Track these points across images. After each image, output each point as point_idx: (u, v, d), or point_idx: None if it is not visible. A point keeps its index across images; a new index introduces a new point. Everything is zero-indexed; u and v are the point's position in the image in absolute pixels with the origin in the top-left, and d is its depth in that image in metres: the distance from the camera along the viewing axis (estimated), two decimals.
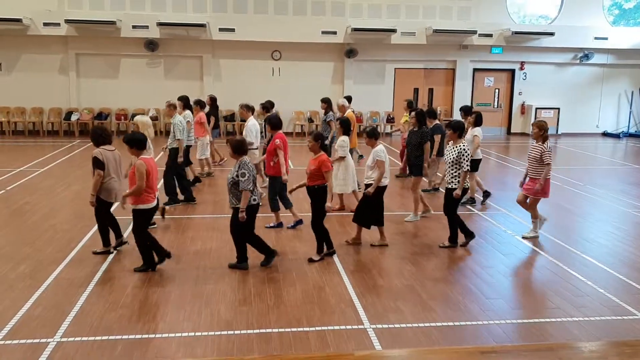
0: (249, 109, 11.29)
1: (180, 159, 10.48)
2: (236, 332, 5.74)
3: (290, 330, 5.78)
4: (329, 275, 7.33)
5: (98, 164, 7.46)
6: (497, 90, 22.72)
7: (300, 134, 21.04)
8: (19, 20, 18.59)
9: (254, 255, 7.56)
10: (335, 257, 7.96)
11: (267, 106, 12.54)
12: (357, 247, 8.44)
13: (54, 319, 5.92)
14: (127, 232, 8.36)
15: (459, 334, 5.85)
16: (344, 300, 6.57)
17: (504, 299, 6.70)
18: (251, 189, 7.07)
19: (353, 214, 8.68)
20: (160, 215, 9.15)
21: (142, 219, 7.19)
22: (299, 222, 9.40)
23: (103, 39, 19.67)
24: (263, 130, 11.88)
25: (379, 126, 21.55)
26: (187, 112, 11.69)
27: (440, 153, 11.19)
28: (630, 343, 5.08)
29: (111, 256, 7.82)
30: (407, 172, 10.82)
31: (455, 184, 8.25)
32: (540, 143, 8.70)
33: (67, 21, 18.84)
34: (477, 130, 10.74)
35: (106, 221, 7.84)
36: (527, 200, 8.96)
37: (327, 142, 11.88)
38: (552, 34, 21.10)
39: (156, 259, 7.32)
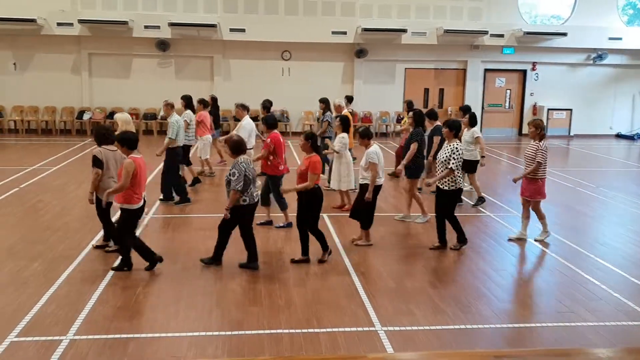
0: (245, 108, 11.30)
1: (159, 153, 10.45)
2: (247, 332, 5.75)
3: (301, 332, 5.78)
4: (339, 276, 7.32)
5: (97, 162, 7.44)
6: (508, 91, 22.61)
7: None
8: (33, 21, 18.72)
9: (262, 254, 7.57)
10: (345, 258, 7.95)
11: (267, 105, 12.60)
12: (367, 248, 8.42)
13: (67, 317, 5.96)
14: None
15: (471, 337, 5.83)
16: (354, 301, 6.56)
17: (517, 302, 6.67)
18: (239, 189, 7.07)
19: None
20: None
21: (128, 220, 7.17)
22: (289, 225, 9.34)
23: (115, 38, 19.77)
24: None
25: (389, 126, 21.54)
26: (188, 111, 11.70)
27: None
28: None
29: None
30: (402, 173, 10.61)
31: (446, 185, 8.17)
32: (537, 142, 8.62)
33: (80, 21, 18.96)
34: (478, 131, 10.68)
35: (110, 219, 7.83)
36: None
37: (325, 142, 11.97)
38: (564, 34, 20.96)
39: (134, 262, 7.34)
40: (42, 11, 18.97)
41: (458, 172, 8.16)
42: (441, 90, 22.21)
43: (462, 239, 8.43)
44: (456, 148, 8.13)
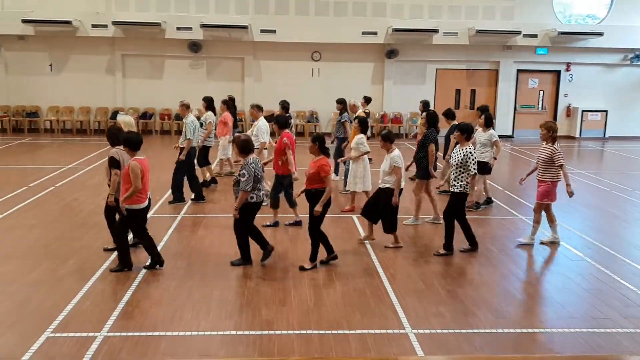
0: (260, 109, 11.36)
1: (182, 157, 10.51)
2: (277, 332, 5.78)
3: (331, 333, 5.78)
4: (369, 277, 7.31)
5: (114, 163, 7.50)
6: (541, 92, 22.27)
7: None
8: (68, 22, 19.11)
9: (291, 256, 7.59)
10: (375, 260, 7.93)
11: (285, 106, 12.72)
12: (397, 250, 8.39)
13: (101, 314, 6.07)
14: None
15: (502, 341, 5.76)
16: (384, 303, 6.54)
17: (549, 306, 6.57)
18: (248, 189, 7.16)
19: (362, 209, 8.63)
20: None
21: (133, 220, 7.23)
22: (298, 222, 9.39)
23: (148, 40, 20.06)
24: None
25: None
26: (209, 113, 11.77)
27: None
28: None
29: None
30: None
31: (458, 187, 8.03)
32: (549, 144, 8.45)
33: (114, 23, 19.29)
34: (495, 134, 10.48)
35: (115, 220, 7.83)
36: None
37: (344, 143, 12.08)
38: (600, 34, 20.57)
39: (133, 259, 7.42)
40: (78, 13, 19.37)
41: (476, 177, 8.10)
42: (473, 91, 22.00)
43: (472, 243, 8.29)
44: (470, 152, 7.99)
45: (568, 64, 21.78)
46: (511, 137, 21.87)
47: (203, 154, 11.77)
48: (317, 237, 7.53)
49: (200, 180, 11.78)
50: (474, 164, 7.94)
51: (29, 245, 8.24)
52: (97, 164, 14.49)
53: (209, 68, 20.88)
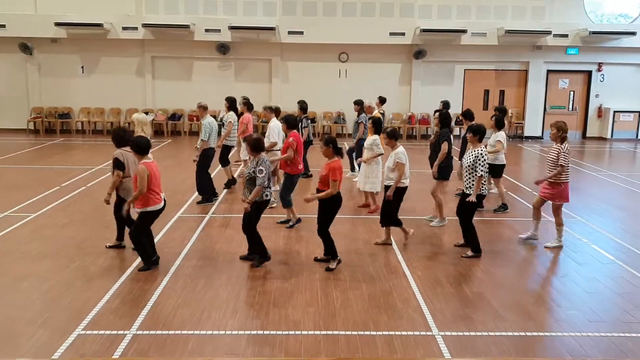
0: (272, 110, 11.40)
1: (195, 159, 10.71)
2: (303, 332, 5.80)
3: (357, 334, 5.78)
4: (395, 279, 7.29)
5: (118, 164, 7.63)
6: (572, 93, 21.92)
7: None
8: (100, 25, 19.45)
9: (307, 251, 7.60)
10: (402, 262, 7.90)
11: (304, 107, 12.75)
12: (426, 252, 8.35)
13: (131, 312, 6.16)
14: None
15: (531, 344, 5.70)
16: (411, 305, 6.51)
17: (579, 310, 6.45)
18: (266, 185, 7.35)
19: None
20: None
21: (147, 221, 7.33)
22: (298, 220, 9.49)
23: (177, 42, 20.29)
24: (299, 129, 12.34)
25: None
26: (231, 113, 11.86)
27: None
28: None
29: (183, 253, 8.05)
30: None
31: (472, 189, 7.98)
32: (558, 144, 8.32)
33: (144, 25, 19.55)
34: (501, 135, 10.29)
35: (123, 221, 7.97)
36: (545, 205, 8.57)
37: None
38: (633, 33, 20.17)
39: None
40: (109, 16, 19.69)
41: (484, 178, 8.00)
42: (502, 92, 21.76)
43: (475, 249, 8.17)
44: (481, 154, 7.92)
45: (599, 64, 21.40)
46: (541, 138, 21.58)
47: (224, 154, 11.85)
48: (328, 236, 7.53)
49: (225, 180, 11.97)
50: (481, 166, 7.88)
51: (60, 244, 8.41)
52: None
53: (237, 69, 21.04)
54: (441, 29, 19.87)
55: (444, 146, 9.49)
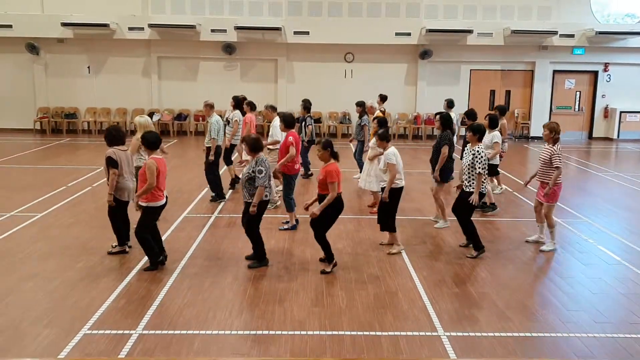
0: (274, 109, 11.41)
1: (211, 157, 10.75)
2: (309, 332, 5.80)
3: (363, 334, 5.78)
4: (401, 280, 7.28)
5: (112, 163, 7.60)
6: (578, 93, 21.85)
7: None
8: (106, 25, 19.52)
9: (311, 251, 7.60)
10: (408, 262, 7.90)
11: (308, 106, 12.76)
12: (431, 253, 8.34)
13: (136, 312, 6.18)
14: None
15: (537, 345, 5.68)
16: (416, 306, 6.51)
17: (585, 311, 6.44)
18: (266, 185, 7.31)
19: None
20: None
21: (150, 217, 7.34)
22: (294, 226, 9.40)
23: (183, 42, 20.34)
24: (302, 128, 12.63)
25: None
26: (237, 112, 11.87)
27: None
28: None
29: (189, 253, 8.07)
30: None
31: (472, 188, 7.98)
32: (550, 145, 8.28)
33: (150, 25, 19.61)
34: (497, 136, 10.22)
35: (119, 221, 7.95)
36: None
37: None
38: (639, 33, 20.09)
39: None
40: (115, 16, 19.75)
41: (484, 176, 7.98)
42: (508, 92, 21.71)
43: (477, 247, 8.17)
44: (478, 152, 7.94)
45: (606, 64, 21.32)
46: None
47: (228, 153, 11.87)
48: (325, 241, 7.43)
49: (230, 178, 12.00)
50: (480, 164, 7.89)
51: (67, 244, 8.44)
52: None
53: (243, 70, 21.07)
54: (447, 29, 19.85)
55: (444, 150, 9.46)
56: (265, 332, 5.80)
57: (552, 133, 8.28)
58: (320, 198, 7.43)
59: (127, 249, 8.09)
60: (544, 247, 8.52)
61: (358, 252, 8.26)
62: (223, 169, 12.50)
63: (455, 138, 10.68)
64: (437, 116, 9.96)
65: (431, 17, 20.33)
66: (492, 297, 6.78)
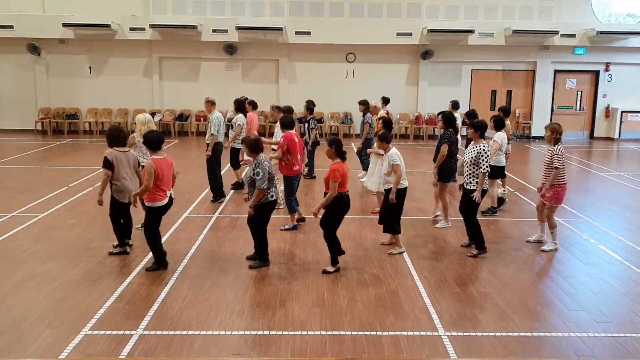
0: (280, 110, 11.41)
1: (208, 153, 10.76)
2: (310, 332, 5.80)
3: (363, 334, 5.78)
4: (402, 280, 7.28)
5: (106, 164, 7.60)
6: (579, 93, 21.83)
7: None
8: (107, 26, 19.54)
9: (313, 251, 7.61)
10: (409, 262, 7.90)
11: (311, 107, 12.74)
12: (432, 253, 8.34)
13: (137, 312, 6.19)
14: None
15: (538, 345, 5.68)
16: (417, 306, 6.51)
17: (586, 311, 6.43)
18: (265, 187, 7.25)
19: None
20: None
21: (153, 217, 7.35)
22: (294, 227, 9.38)
23: (184, 42, 20.35)
24: (305, 130, 12.67)
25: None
26: (240, 115, 11.83)
27: None
28: None
29: (190, 253, 8.08)
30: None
31: (473, 185, 7.98)
32: (552, 146, 8.25)
33: (152, 26, 19.62)
34: (498, 136, 10.15)
35: (120, 222, 7.95)
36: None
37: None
38: None
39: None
40: (116, 17, 19.77)
41: (487, 174, 7.98)
42: (509, 92, 21.71)
43: (480, 247, 8.15)
44: (483, 149, 7.94)
45: (607, 64, 21.31)
46: None
47: (234, 156, 11.85)
48: (333, 241, 7.43)
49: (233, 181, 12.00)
50: (485, 162, 7.89)
51: (68, 245, 8.45)
52: None
53: (244, 70, 21.08)
54: (448, 29, 19.84)
55: (443, 148, 9.46)
56: (266, 332, 5.80)
57: (554, 134, 8.25)
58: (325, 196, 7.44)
59: (128, 249, 8.09)
60: (545, 247, 8.51)
61: (359, 252, 8.26)
62: (225, 169, 12.50)
63: (459, 138, 10.66)
64: (440, 115, 9.96)
65: (432, 17, 20.32)
66: (493, 296, 6.78)
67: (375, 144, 10.26)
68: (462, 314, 6.28)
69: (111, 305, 6.38)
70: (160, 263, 7.44)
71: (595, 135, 21.87)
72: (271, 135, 13.00)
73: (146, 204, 7.29)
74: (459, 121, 13.06)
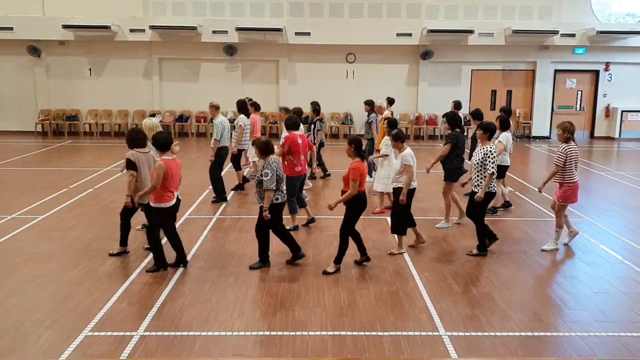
0: (288, 111, 11.40)
1: (211, 159, 10.80)
2: (310, 333, 5.80)
3: (364, 334, 5.78)
4: (402, 280, 7.28)
5: (131, 165, 7.61)
6: (579, 92, 21.83)
7: None
8: (107, 27, 19.54)
9: (314, 251, 7.61)
10: (409, 262, 7.90)
11: (317, 108, 12.74)
12: (433, 253, 8.34)
13: (138, 313, 6.19)
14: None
15: (538, 345, 5.68)
16: (418, 305, 6.51)
17: (587, 311, 6.43)
18: (273, 188, 7.25)
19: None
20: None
21: (157, 217, 7.34)
22: (312, 220, 9.54)
23: (184, 44, 20.36)
24: (312, 131, 12.66)
25: None
26: (242, 116, 11.84)
27: None
28: None
29: (190, 254, 8.07)
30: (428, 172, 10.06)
31: (481, 187, 7.97)
32: (562, 144, 8.22)
33: (151, 27, 19.62)
34: (503, 136, 10.05)
35: (129, 222, 7.98)
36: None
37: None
38: None
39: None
40: (116, 18, 19.76)
41: (494, 176, 7.96)
42: (509, 92, 21.70)
43: (482, 248, 8.16)
44: (490, 151, 7.92)
45: (607, 64, 21.30)
46: (548, 138, 21.49)
47: (236, 157, 11.86)
48: (346, 241, 7.48)
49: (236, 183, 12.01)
50: (492, 163, 7.87)
51: (68, 246, 8.45)
52: None
53: (244, 71, 21.08)
54: (448, 30, 19.84)
55: (445, 147, 9.46)
56: (267, 332, 5.80)
57: (565, 132, 8.20)
58: (344, 194, 7.46)
59: (128, 250, 8.12)
60: (545, 247, 8.50)
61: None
62: (226, 169, 12.51)
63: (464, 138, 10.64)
64: (444, 117, 9.97)
65: (432, 17, 20.32)
66: (493, 296, 6.77)
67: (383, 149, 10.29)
68: (462, 314, 6.28)
69: (112, 306, 6.38)
70: (160, 264, 7.43)
71: (595, 135, 21.86)
72: (271, 136, 13.02)
73: (152, 204, 7.28)
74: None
